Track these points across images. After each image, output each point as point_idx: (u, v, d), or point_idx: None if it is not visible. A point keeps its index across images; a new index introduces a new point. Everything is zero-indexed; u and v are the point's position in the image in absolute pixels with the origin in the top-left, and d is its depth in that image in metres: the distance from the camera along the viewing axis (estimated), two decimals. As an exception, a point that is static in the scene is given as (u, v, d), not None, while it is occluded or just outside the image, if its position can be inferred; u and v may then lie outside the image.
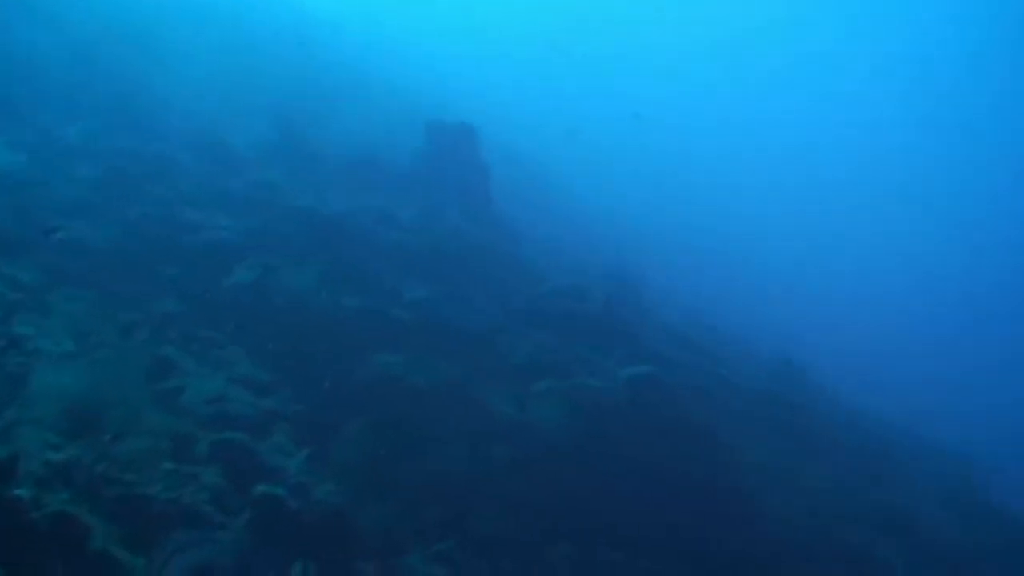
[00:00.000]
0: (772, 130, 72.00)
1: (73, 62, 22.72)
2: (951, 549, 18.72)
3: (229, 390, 12.50)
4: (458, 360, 15.57)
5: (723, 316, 27.65)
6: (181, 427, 11.15)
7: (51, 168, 17.85)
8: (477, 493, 12.51)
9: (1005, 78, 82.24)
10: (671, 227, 37.70)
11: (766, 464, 16.61)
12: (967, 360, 47.43)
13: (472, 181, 25.69)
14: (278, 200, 19.30)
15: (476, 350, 16.17)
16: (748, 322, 28.36)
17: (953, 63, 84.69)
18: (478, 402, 14.64)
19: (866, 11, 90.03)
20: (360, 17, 42.39)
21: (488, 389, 15.07)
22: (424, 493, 12.16)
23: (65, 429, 9.86)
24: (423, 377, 14.39)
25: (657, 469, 13.66)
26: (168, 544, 7.66)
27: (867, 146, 76.48)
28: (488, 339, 16.65)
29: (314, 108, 27.51)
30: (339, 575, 9.34)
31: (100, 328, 13.05)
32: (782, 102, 78.08)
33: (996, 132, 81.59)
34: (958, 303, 55.63)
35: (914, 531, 18.28)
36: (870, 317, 45.01)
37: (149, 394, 11.80)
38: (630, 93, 64.95)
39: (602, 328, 19.40)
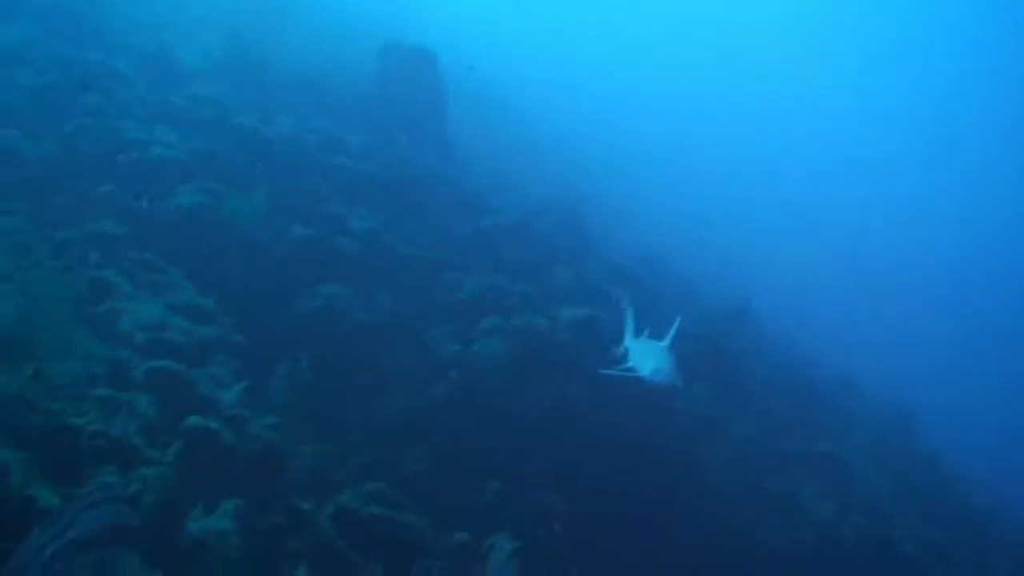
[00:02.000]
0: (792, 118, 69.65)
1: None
2: (876, 493, 19.40)
3: (168, 317, 12.19)
4: (403, 294, 15.51)
5: (682, 266, 27.75)
6: (115, 354, 10.86)
7: (-16, 73, 17.13)
8: (416, 432, 12.58)
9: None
10: (650, 188, 36.90)
11: (699, 407, 16.90)
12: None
13: (427, 108, 25.14)
14: (223, 119, 18.69)
15: (421, 285, 16.10)
16: (705, 273, 28.52)
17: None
18: (421, 339, 14.64)
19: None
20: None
21: (432, 325, 15.05)
22: (362, 431, 12.20)
23: (-9, 353, 9.53)
24: (367, 312, 14.29)
25: (592, 412, 13.83)
26: (88, 489, 7.45)
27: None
28: (433, 273, 16.56)
29: (269, 24, 26.46)
30: (271, 513, 9.33)
31: (35, 246, 12.62)
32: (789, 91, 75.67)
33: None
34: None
35: (842, 477, 18.88)
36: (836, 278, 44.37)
37: (83, 318, 11.47)
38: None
39: (548, 265, 19.49)
